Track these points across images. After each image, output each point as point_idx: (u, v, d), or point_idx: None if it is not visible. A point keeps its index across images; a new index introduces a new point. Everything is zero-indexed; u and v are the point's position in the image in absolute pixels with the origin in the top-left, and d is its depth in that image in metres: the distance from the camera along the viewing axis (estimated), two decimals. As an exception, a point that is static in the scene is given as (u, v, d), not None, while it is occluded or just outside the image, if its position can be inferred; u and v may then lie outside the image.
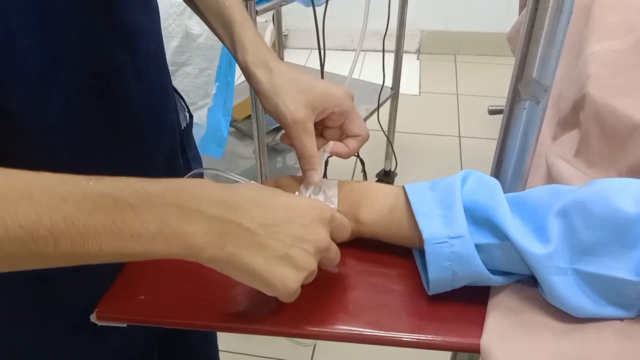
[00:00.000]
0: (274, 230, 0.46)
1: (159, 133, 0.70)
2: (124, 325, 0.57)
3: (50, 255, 0.39)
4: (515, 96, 0.57)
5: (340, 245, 0.62)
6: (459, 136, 2.65)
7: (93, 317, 0.57)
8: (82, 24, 0.53)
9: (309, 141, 0.60)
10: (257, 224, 0.45)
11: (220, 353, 1.11)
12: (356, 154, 1.98)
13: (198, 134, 1.52)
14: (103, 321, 0.56)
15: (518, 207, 0.53)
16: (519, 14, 1.71)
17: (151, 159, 0.70)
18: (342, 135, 0.66)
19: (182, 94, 0.73)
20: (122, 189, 0.41)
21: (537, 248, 0.49)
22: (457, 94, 3.00)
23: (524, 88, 0.56)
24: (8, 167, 0.40)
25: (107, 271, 0.61)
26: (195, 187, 0.45)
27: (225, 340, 1.28)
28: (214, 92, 1.47)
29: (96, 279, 0.60)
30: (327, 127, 0.65)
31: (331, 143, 0.65)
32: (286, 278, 0.46)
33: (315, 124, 0.62)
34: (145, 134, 0.66)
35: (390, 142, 2.22)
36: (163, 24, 0.66)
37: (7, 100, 0.49)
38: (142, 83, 0.62)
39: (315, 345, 1.72)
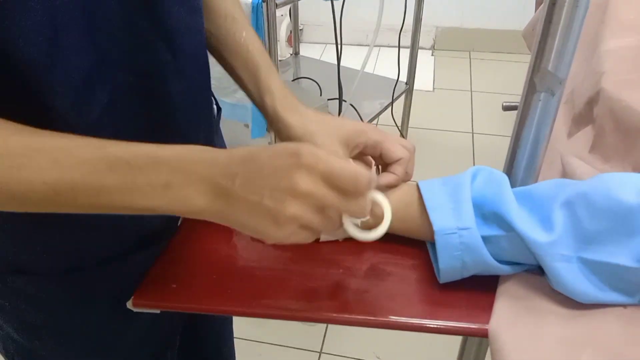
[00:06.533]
0: (253, 185, 0.47)
1: (198, 130, 0.71)
2: (158, 311, 0.60)
3: (70, 205, 0.46)
4: (531, 88, 0.58)
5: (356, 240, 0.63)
6: (472, 132, 2.65)
7: (129, 304, 0.60)
8: (126, 22, 0.54)
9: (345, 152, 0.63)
10: (240, 183, 0.47)
11: (234, 340, 1.13)
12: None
13: (239, 113, 1.63)
14: (138, 308, 0.60)
15: (525, 200, 0.55)
16: (535, 10, 1.71)
17: None
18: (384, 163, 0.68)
19: (215, 80, 0.73)
20: (136, 154, 0.47)
21: (541, 236, 0.51)
22: (471, 91, 3.00)
23: (539, 80, 0.57)
24: None
25: (138, 261, 0.64)
26: (197, 152, 0.49)
27: (239, 328, 1.31)
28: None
29: (127, 267, 0.63)
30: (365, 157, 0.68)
31: (374, 168, 0.66)
32: (270, 227, 0.47)
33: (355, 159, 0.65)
34: (185, 131, 0.67)
35: (403, 137, 2.23)
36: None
37: (52, 97, 0.50)
38: (184, 82, 0.63)
39: (325, 333, 1.74)
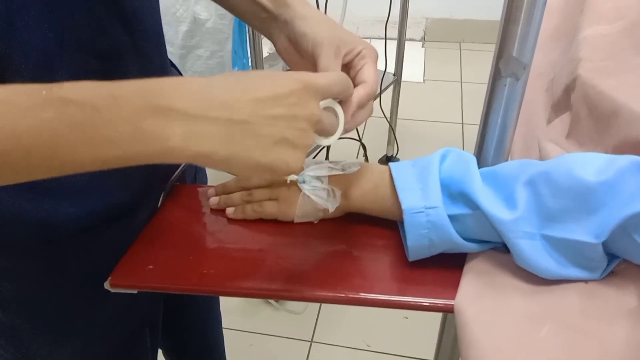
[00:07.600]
0: (266, 115, 0.43)
1: None
2: (135, 292, 0.61)
3: (26, 167, 0.38)
4: (496, 74, 0.60)
5: (331, 221, 0.66)
6: (462, 123, 2.67)
7: (107, 285, 0.61)
8: (83, 4, 0.54)
9: (339, 63, 0.59)
10: (249, 113, 0.42)
11: (224, 330, 1.15)
12: (358, 139, 2.00)
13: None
14: (116, 288, 0.61)
15: (490, 180, 0.57)
16: None
17: None
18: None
19: (196, 75, 0.74)
20: (87, 94, 0.38)
21: (505, 214, 0.53)
22: (461, 82, 3.02)
23: (504, 66, 0.58)
24: None
25: (109, 235, 0.65)
26: (169, 84, 0.41)
27: (229, 319, 1.32)
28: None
29: (102, 241, 0.65)
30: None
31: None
32: (289, 159, 0.45)
33: None
34: None
35: (392, 128, 2.25)
36: (171, 10, 0.67)
37: (14, 77, 0.51)
38: (144, 64, 0.64)
39: (316, 323, 1.76)
